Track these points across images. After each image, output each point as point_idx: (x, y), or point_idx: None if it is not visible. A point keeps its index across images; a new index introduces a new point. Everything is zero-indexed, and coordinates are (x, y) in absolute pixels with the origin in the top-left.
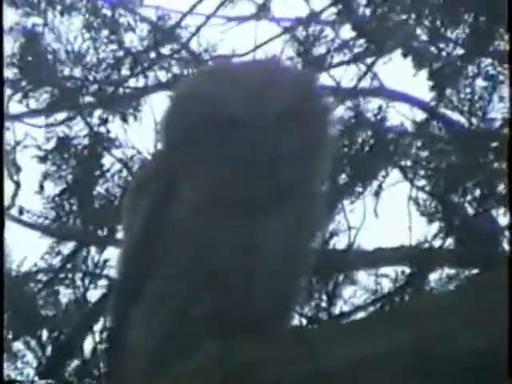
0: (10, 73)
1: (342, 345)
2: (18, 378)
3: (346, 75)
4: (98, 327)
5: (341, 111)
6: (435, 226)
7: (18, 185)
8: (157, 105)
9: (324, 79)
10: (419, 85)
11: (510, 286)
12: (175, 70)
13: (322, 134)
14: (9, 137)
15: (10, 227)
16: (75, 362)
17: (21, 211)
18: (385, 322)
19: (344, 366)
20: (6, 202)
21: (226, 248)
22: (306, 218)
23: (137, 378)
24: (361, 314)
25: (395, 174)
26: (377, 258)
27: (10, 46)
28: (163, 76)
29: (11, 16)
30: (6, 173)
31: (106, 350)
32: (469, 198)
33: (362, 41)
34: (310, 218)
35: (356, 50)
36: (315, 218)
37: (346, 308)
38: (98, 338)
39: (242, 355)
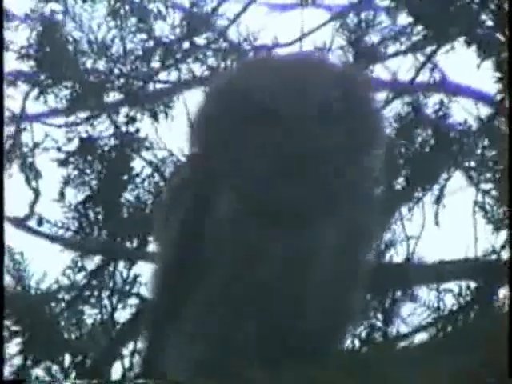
0: (25, 66)
1: (402, 370)
2: None
3: (403, 67)
4: (127, 351)
5: (397, 107)
6: (503, 234)
7: (36, 192)
8: (191, 101)
9: (378, 71)
10: (485, 77)
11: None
12: (211, 61)
13: (371, 132)
14: (26, 139)
15: (29, 240)
16: None
17: (40, 221)
18: (452, 343)
19: None
20: (24, 211)
21: (271, 263)
22: (360, 227)
23: None
24: (422, 335)
25: (459, 178)
26: (438, 272)
27: (26, 35)
28: (198, 69)
29: (27, 2)
30: (23, 179)
31: (138, 378)
32: None
33: (420, 28)
34: (363, 226)
35: (414, 39)
36: (369, 226)
37: (404, 328)
38: (127, 364)
39: None
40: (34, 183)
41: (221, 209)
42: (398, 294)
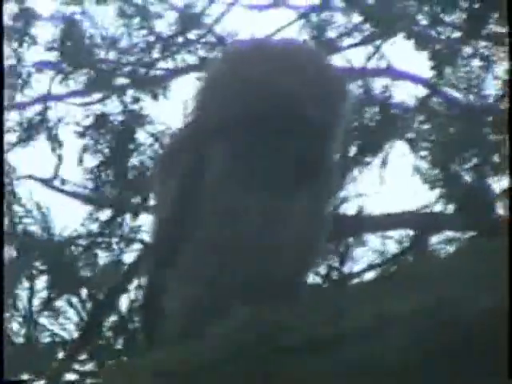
0: (51, 56)
1: (364, 305)
2: (61, 333)
3: (357, 56)
4: (132, 286)
5: (352, 89)
6: (437, 192)
7: (60, 158)
8: (184, 85)
9: (337, 60)
10: (421, 65)
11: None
12: (201, 53)
13: (343, 112)
14: (51, 115)
15: (53, 196)
16: (112, 318)
17: (63, 182)
18: (401, 283)
19: (369, 326)
20: (50, 173)
21: (254, 217)
22: (327, 190)
23: (172, 338)
24: (370, 274)
25: (402, 147)
26: (384, 223)
27: (51, 32)
28: (190, 59)
29: (52, 5)
30: (49, 147)
31: (141, 309)
32: (466, 167)
33: (369, 25)
34: (327, 189)
35: (364, 34)
36: (332, 189)
37: (356, 268)
38: (132, 297)
39: (272, 317)
40: (58, 151)
41: (211, 167)
42: (351, 240)
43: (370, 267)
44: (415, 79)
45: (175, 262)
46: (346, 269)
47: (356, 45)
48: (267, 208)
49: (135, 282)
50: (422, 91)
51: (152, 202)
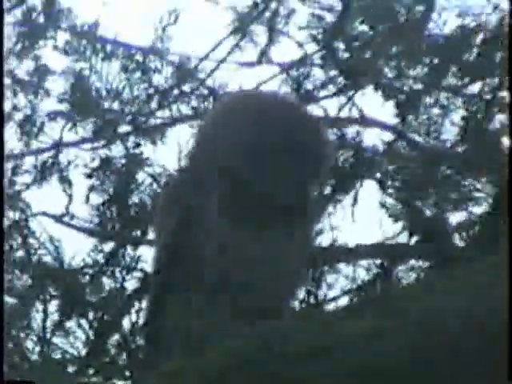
0: (62, 107)
1: (352, 320)
2: (71, 350)
3: (331, 106)
4: (133, 310)
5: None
6: (399, 225)
7: (70, 197)
8: (179, 132)
9: (314, 110)
10: (388, 113)
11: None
12: (194, 103)
13: (327, 164)
14: (63, 158)
15: (64, 231)
16: (116, 337)
17: (72, 217)
18: (380, 304)
19: (358, 336)
20: (61, 210)
21: (243, 251)
22: (309, 228)
23: (175, 355)
24: (345, 299)
25: (371, 185)
26: (355, 253)
27: (63, 85)
28: (184, 109)
29: (64, 61)
30: (60, 187)
31: (144, 330)
32: (429, 202)
33: (342, 78)
34: (311, 226)
35: (338, 86)
36: (312, 227)
37: (331, 293)
38: (134, 319)
39: (270, 331)
40: (68, 190)
41: (205, 213)
42: (326, 268)
43: (344, 293)
44: (383, 126)
45: (174, 289)
46: (321, 294)
47: (331, 96)
48: (256, 244)
49: (136, 306)
50: (389, 136)
51: (150, 236)
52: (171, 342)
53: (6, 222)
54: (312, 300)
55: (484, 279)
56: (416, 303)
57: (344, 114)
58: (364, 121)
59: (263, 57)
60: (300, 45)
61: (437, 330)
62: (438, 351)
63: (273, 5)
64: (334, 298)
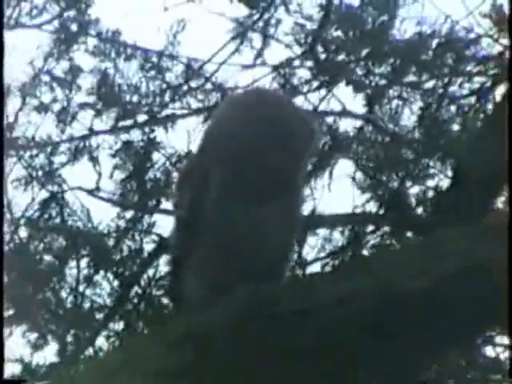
0: (91, 99)
1: (328, 285)
2: (98, 300)
3: (313, 99)
4: (150, 267)
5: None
6: (367, 195)
7: (99, 174)
8: (187, 121)
9: (300, 102)
10: (358, 104)
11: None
12: (200, 97)
13: (312, 149)
14: (92, 142)
15: (93, 201)
16: (136, 289)
17: (98, 190)
18: (353, 269)
19: (333, 300)
20: (93, 185)
21: (242, 226)
22: (299, 200)
23: (193, 305)
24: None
25: (344, 163)
26: (330, 220)
27: (91, 81)
28: (192, 101)
29: (92, 61)
30: (91, 165)
31: (169, 284)
32: (392, 177)
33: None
34: (300, 199)
35: (318, 82)
36: (301, 199)
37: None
38: (151, 274)
39: (266, 294)
40: (97, 168)
41: (213, 188)
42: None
43: (324, 256)
44: (354, 115)
45: (192, 254)
46: (304, 254)
47: (313, 90)
48: (256, 215)
49: (153, 264)
50: (359, 123)
51: (164, 205)
52: (191, 295)
53: (46, 195)
54: (296, 261)
55: (444, 247)
56: (382, 268)
57: (324, 105)
58: (340, 111)
59: (258, 58)
60: (288, 46)
61: (399, 291)
62: (402, 311)
63: (265, 16)
64: (316, 260)
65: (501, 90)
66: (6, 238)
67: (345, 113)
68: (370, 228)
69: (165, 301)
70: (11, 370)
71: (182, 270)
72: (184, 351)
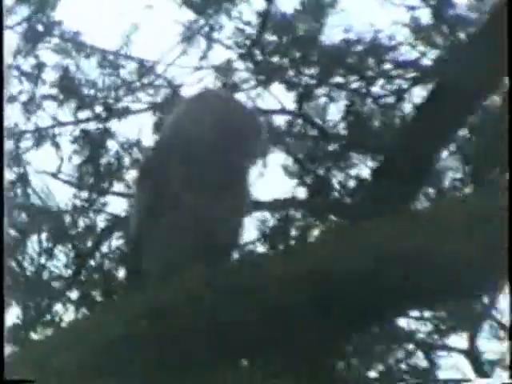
0: (54, 91)
1: (273, 264)
2: (56, 270)
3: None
4: (103, 242)
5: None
6: (294, 181)
7: (61, 158)
8: (139, 113)
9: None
10: (289, 100)
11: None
12: (151, 92)
13: (260, 146)
14: (56, 129)
15: (53, 182)
16: (91, 262)
17: (59, 172)
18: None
19: (276, 278)
20: (56, 169)
21: (199, 212)
22: (245, 190)
23: (152, 280)
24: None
25: (277, 154)
26: (267, 205)
27: (54, 76)
28: (144, 98)
29: (55, 58)
30: (53, 150)
31: (127, 257)
32: (319, 166)
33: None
34: (246, 190)
35: (256, 80)
36: (247, 189)
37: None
38: (104, 250)
39: (215, 272)
40: (59, 153)
41: (172, 186)
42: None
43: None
44: (286, 111)
45: (151, 235)
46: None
47: (251, 88)
48: (210, 203)
49: (105, 239)
50: (289, 118)
51: (116, 188)
52: (149, 272)
53: (13, 176)
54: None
55: (371, 236)
56: (317, 253)
57: (260, 101)
58: (273, 109)
59: (203, 59)
60: (229, 48)
61: (336, 271)
62: (336, 291)
63: (210, 21)
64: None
65: (417, 91)
66: None
67: (278, 110)
68: (299, 212)
69: (116, 273)
70: None
71: (142, 248)
72: (143, 321)
